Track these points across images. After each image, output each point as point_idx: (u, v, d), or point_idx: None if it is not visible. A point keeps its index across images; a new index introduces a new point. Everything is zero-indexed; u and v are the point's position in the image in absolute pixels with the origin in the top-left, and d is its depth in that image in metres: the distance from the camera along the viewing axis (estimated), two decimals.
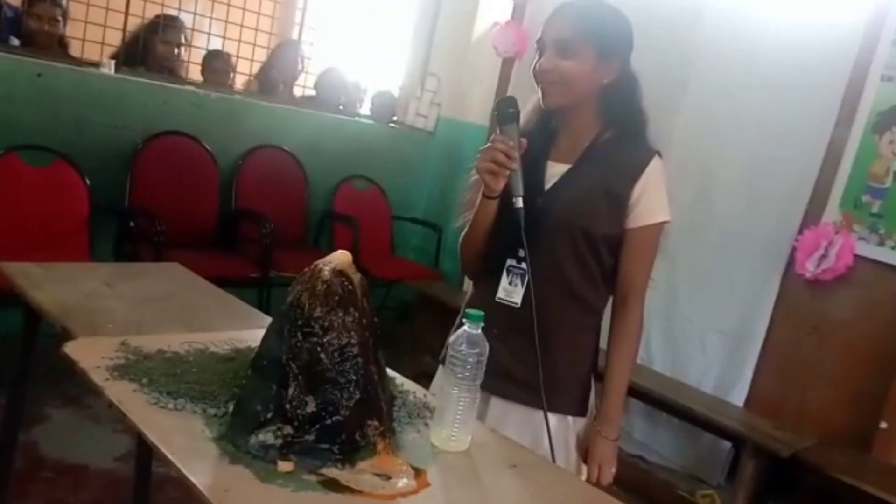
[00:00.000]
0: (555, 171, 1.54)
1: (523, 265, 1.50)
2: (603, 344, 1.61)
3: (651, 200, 1.50)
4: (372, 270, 3.77)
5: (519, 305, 1.51)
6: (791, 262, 3.05)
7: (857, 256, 2.90)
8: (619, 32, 1.52)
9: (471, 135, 4.30)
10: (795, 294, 3.08)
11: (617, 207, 1.50)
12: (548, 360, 1.48)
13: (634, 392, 3.17)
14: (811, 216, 3.04)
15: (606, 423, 1.54)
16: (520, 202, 1.42)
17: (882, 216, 2.86)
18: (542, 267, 1.50)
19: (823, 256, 2.90)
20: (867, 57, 2.93)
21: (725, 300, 3.25)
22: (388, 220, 4.34)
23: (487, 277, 1.57)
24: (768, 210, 3.12)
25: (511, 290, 1.53)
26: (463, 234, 1.58)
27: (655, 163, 1.51)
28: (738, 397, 3.20)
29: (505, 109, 1.45)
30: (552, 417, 1.48)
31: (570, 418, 1.57)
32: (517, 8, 4.14)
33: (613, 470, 1.55)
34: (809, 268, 2.92)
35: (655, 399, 3.10)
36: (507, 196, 1.44)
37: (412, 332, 3.93)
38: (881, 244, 2.86)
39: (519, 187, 1.42)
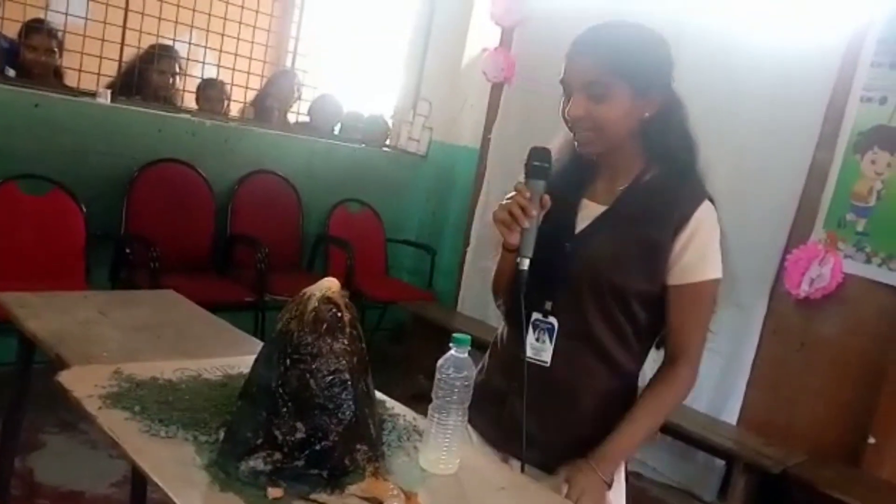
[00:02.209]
0: (589, 212, 1.38)
1: (551, 319, 1.36)
2: None
3: (699, 254, 1.31)
4: (366, 292, 3.81)
5: (549, 365, 1.37)
6: (777, 280, 3.08)
7: (843, 274, 2.93)
8: (654, 58, 1.33)
9: (462, 158, 4.36)
10: (783, 312, 3.12)
11: (655, 261, 1.32)
12: (576, 425, 1.38)
13: None
14: (796, 236, 3.08)
15: (602, 460, 1.33)
16: (525, 263, 1.30)
17: (867, 234, 2.90)
18: (569, 322, 1.35)
19: (818, 276, 2.94)
20: (847, 78, 2.99)
21: (716, 320, 3.27)
22: (381, 243, 4.38)
23: (513, 330, 1.43)
24: (754, 231, 3.16)
25: (539, 348, 1.38)
26: (493, 277, 1.45)
27: (705, 209, 1.32)
28: (731, 415, 3.23)
29: (535, 162, 1.30)
30: (531, 478, 1.35)
31: None
32: (505, 34, 4.21)
33: None
34: (803, 287, 2.96)
35: None
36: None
37: (407, 353, 3.95)
38: (868, 262, 2.90)
39: (528, 248, 1.29)
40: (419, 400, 1.36)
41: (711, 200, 1.35)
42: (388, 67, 4.92)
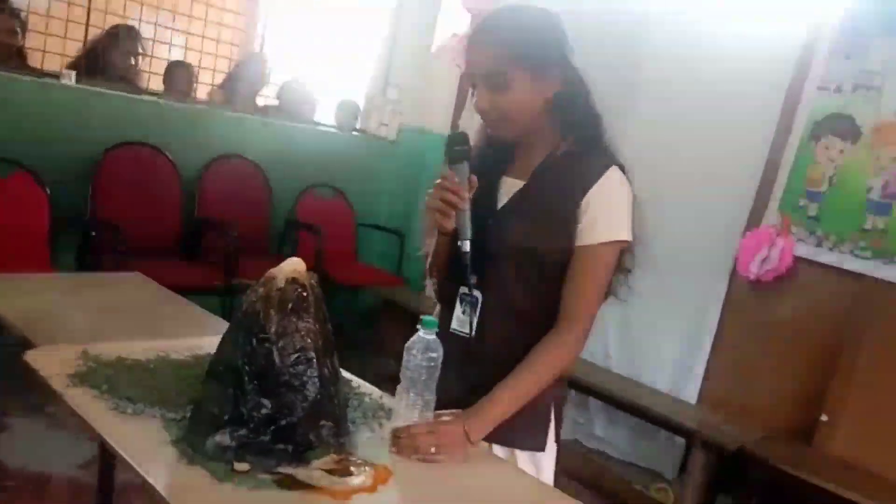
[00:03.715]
0: (508, 188, 1.43)
1: (475, 293, 1.41)
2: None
3: (600, 216, 1.35)
4: (336, 277, 3.82)
5: (470, 335, 1.42)
6: (736, 263, 3.17)
7: (796, 258, 3.03)
8: (547, 39, 1.37)
9: (432, 143, 4.38)
10: (741, 295, 3.21)
11: (566, 228, 1.36)
12: None
13: (594, 392, 3.30)
14: (753, 220, 3.17)
15: (472, 416, 1.31)
16: (466, 245, 1.34)
17: (818, 219, 3.00)
18: (493, 294, 1.40)
19: (765, 258, 3.03)
20: (805, 68, 3.07)
21: (677, 303, 3.36)
22: (351, 228, 4.39)
23: (445, 306, 1.48)
24: (714, 215, 3.25)
25: (464, 320, 1.43)
26: (428, 262, 1.51)
27: (610, 174, 1.37)
28: (691, 395, 3.33)
29: (455, 147, 1.35)
30: (503, 451, 1.41)
31: (524, 454, 1.44)
32: (473, 20, 4.23)
33: (438, 454, 1.25)
34: (752, 269, 3.05)
35: (613, 398, 3.22)
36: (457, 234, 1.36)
37: (377, 337, 3.99)
38: (819, 245, 2.99)
39: (466, 230, 1.34)
40: (390, 381, 1.38)
41: (622, 168, 1.40)
42: (358, 52, 4.90)
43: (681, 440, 3.30)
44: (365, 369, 1.55)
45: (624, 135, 3.48)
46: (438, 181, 1.35)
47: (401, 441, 1.25)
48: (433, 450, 1.25)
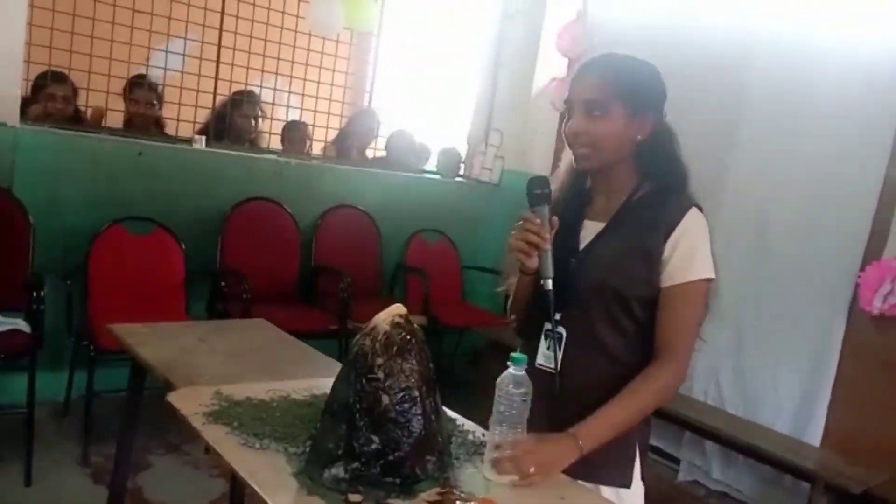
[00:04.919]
0: (590, 230, 1.50)
1: (560, 329, 1.47)
2: None
3: (685, 256, 1.41)
4: (443, 318, 3.94)
5: (556, 370, 1.46)
6: (856, 298, 3.03)
7: None
8: (650, 86, 1.47)
9: None
10: (862, 330, 3.05)
11: (650, 266, 1.42)
12: None
13: (709, 433, 3.21)
14: (872, 252, 3.03)
15: (581, 428, 1.36)
16: (549, 284, 1.41)
17: None
18: (576, 329, 1.46)
19: (889, 292, 2.88)
20: None
21: (794, 339, 3.24)
22: (457, 270, 4.50)
23: (531, 342, 1.54)
24: (828, 247, 3.12)
25: (549, 355, 1.49)
26: (510, 300, 1.58)
27: (692, 216, 1.43)
28: (814, 435, 3.17)
29: (535, 190, 1.42)
30: (587, 487, 1.42)
31: (609, 489, 1.46)
32: (571, 65, 4.32)
33: (536, 474, 1.28)
34: (876, 304, 2.91)
35: (733, 441, 3.13)
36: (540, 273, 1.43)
37: (482, 377, 4.03)
38: None
39: (549, 270, 1.41)
40: None
41: (699, 208, 1.45)
42: (459, 100, 5.09)
43: (805, 484, 3.15)
44: (472, 409, 1.61)
45: (732, 168, 3.47)
46: (520, 223, 1.43)
47: (502, 459, 1.29)
48: (532, 469, 1.28)
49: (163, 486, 2.87)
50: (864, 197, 3.07)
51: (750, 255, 3.31)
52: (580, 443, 1.35)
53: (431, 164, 4.82)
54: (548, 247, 1.41)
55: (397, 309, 1.32)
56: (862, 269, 3.02)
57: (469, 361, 4.40)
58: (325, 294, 3.92)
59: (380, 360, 1.26)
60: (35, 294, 2.89)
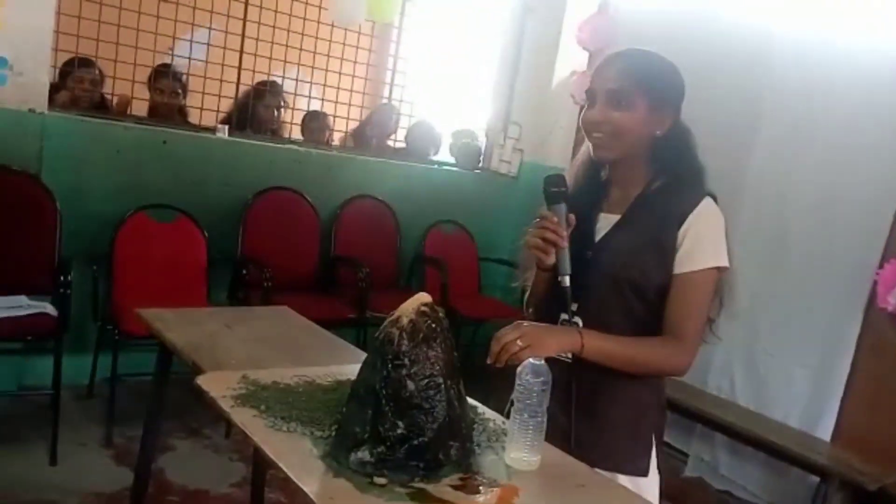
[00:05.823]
0: (605, 222, 1.53)
1: (576, 319, 1.50)
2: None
3: (697, 245, 1.43)
4: (460, 310, 3.97)
5: (571, 360, 1.48)
6: (873, 295, 3.03)
7: None
8: (672, 83, 1.49)
9: None
10: (879, 327, 3.05)
11: (664, 255, 1.45)
12: (601, 417, 1.50)
13: (719, 426, 3.22)
14: (891, 249, 3.02)
15: (589, 334, 1.43)
16: (566, 280, 1.44)
17: None
18: (592, 320, 1.48)
19: None
20: None
21: (808, 335, 3.24)
22: (475, 262, 4.53)
23: None
24: (847, 245, 3.12)
25: None
26: (526, 295, 1.62)
27: (705, 205, 1.45)
28: (825, 431, 3.18)
29: (552, 188, 1.45)
30: (605, 476, 1.43)
31: (626, 478, 1.49)
32: (592, 58, 4.32)
33: (529, 343, 1.38)
34: (892, 301, 2.91)
35: (742, 433, 3.14)
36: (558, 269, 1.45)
37: (500, 368, 4.07)
38: None
39: (566, 266, 1.44)
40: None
41: (713, 198, 1.47)
42: (479, 92, 5.10)
43: (813, 478, 3.16)
44: (489, 398, 1.64)
45: (752, 163, 3.47)
46: (537, 220, 1.46)
47: (492, 350, 1.38)
48: (519, 343, 1.38)
49: (184, 469, 2.93)
50: (883, 195, 3.06)
51: (767, 251, 3.31)
52: (582, 337, 1.41)
53: (444, 150, 4.83)
54: (565, 244, 1.44)
55: (423, 297, 1.35)
56: (880, 266, 3.02)
57: (486, 352, 4.42)
58: (343, 283, 3.96)
59: (405, 347, 1.28)
60: (62, 278, 2.95)
